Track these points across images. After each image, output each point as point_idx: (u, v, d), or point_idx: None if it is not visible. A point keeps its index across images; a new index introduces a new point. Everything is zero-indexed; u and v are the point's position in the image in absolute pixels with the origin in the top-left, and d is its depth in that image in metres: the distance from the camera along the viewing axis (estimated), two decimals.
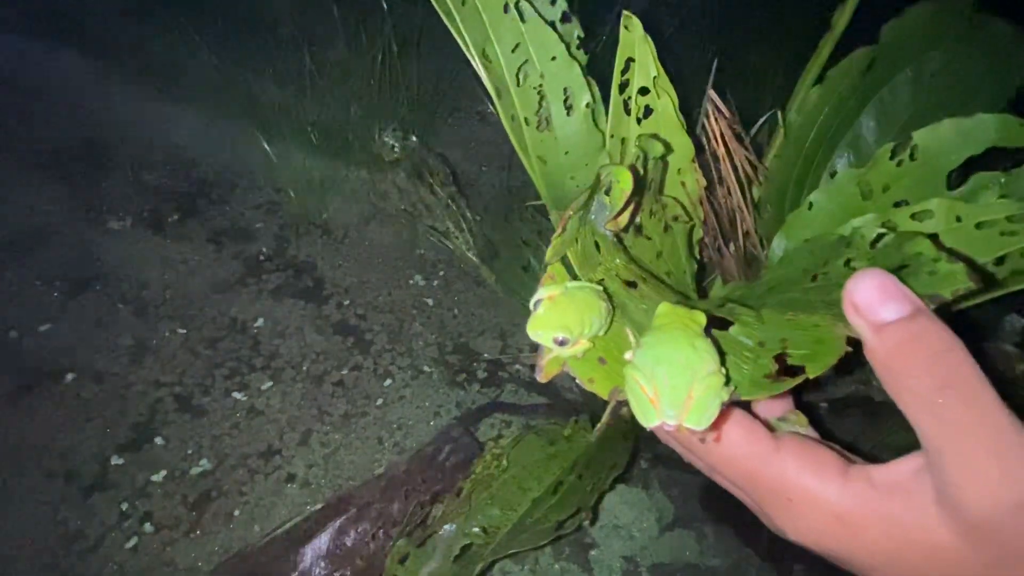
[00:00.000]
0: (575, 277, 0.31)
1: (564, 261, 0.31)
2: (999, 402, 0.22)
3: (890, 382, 0.24)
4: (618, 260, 0.32)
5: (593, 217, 0.33)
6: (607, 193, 0.32)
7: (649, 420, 0.24)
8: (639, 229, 0.41)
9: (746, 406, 0.30)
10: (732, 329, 0.30)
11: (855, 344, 0.26)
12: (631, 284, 0.33)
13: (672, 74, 0.50)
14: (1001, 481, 0.21)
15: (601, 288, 0.31)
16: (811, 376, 0.26)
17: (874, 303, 0.24)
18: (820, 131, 0.59)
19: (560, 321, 0.27)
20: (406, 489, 0.60)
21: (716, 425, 0.26)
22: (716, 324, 0.30)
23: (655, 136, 0.42)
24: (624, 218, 0.33)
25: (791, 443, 0.26)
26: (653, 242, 0.43)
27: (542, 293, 0.28)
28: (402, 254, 1.08)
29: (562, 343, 0.26)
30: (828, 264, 0.34)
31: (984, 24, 0.60)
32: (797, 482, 0.25)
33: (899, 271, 0.27)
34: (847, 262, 0.32)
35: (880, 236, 0.31)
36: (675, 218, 0.46)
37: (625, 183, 0.32)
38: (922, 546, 0.23)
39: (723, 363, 0.26)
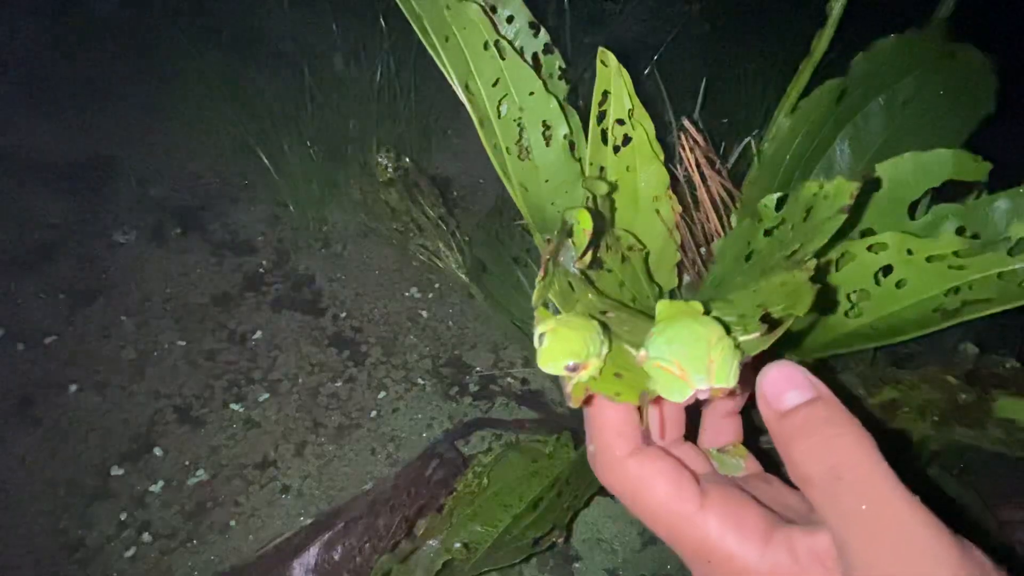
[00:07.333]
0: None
1: (549, 304, 0.32)
2: (897, 488, 0.22)
3: (790, 470, 0.24)
4: (589, 295, 0.34)
5: (562, 259, 0.34)
6: (570, 235, 0.34)
7: (684, 393, 0.25)
8: (600, 264, 0.43)
9: (692, 438, 0.32)
10: (713, 313, 0.30)
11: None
12: (604, 313, 0.35)
13: (662, 98, 0.53)
14: None
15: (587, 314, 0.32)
16: (800, 314, 0.27)
17: (779, 392, 0.25)
18: (794, 158, 0.60)
19: (567, 348, 0.27)
20: (392, 504, 0.62)
21: (644, 475, 0.27)
22: None
23: (600, 177, 0.45)
24: (588, 256, 0.35)
25: (717, 499, 0.25)
26: (614, 273, 0.45)
27: (541, 328, 0.28)
28: (399, 267, 1.10)
29: (574, 369, 0.27)
30: (751, 243, 0.36)
31: (955, 53, 0.62)
32: (717, 544, 0.24)
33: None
34: (766, 232, 0.35)
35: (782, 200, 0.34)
36: (630, 248, 0.48)
37: (585, 223, 0.34)
38: None
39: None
